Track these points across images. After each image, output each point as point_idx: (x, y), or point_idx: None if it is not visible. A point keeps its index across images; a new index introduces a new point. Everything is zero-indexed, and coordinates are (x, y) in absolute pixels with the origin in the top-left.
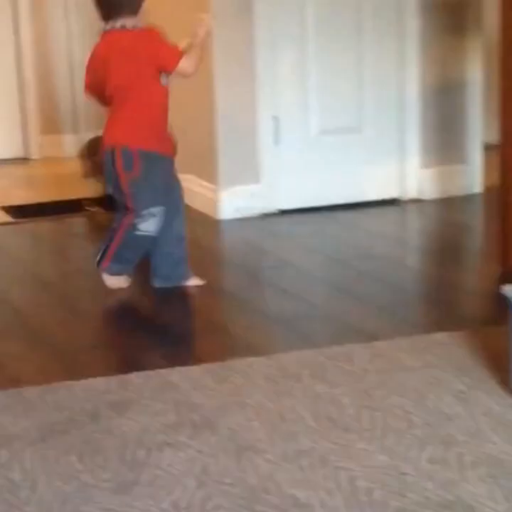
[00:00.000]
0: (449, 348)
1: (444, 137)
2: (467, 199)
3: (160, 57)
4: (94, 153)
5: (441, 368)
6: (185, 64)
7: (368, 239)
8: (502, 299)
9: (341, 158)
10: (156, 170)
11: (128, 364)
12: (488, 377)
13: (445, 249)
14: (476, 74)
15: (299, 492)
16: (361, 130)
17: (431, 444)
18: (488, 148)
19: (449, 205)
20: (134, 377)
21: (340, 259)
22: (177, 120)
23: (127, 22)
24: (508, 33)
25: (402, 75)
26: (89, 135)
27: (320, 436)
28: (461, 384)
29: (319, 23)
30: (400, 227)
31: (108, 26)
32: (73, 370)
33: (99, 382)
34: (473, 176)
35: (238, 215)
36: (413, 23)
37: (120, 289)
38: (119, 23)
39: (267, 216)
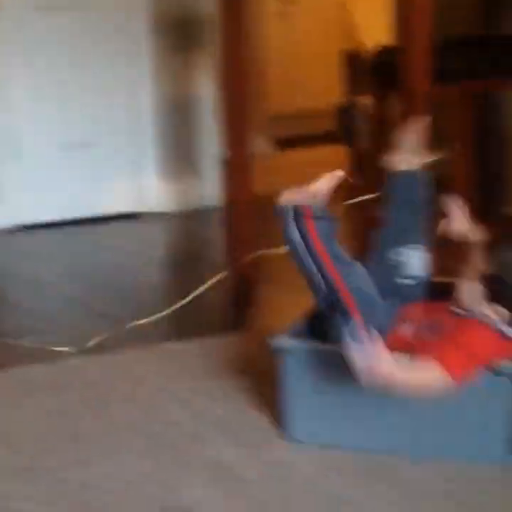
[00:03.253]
0: (180, 356)
1: (180, 152)
2: (204, 211)
3: None
4: None
5: (169, 377)
6: None
7: (108, 253)
8: (235, 307)
9: (81, 173)
10: None
11: None
12: (214, 383)
13: (182, 261)
14: (208, 91)
15: None
16: (99, 146)
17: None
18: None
19: (186, 218)
20: None
21: (80, 273)
22: None
23: None
24: (230, 52)
25: (136, 92)
26: None
27: (59, 453)
28: (188, 391)
29: (55, 42)
30: (140, 240)
31: None
32: None
33: None
34: (209, 188)
35: None
36: (145, 40)
37: None
38: None
39: (10, 232)
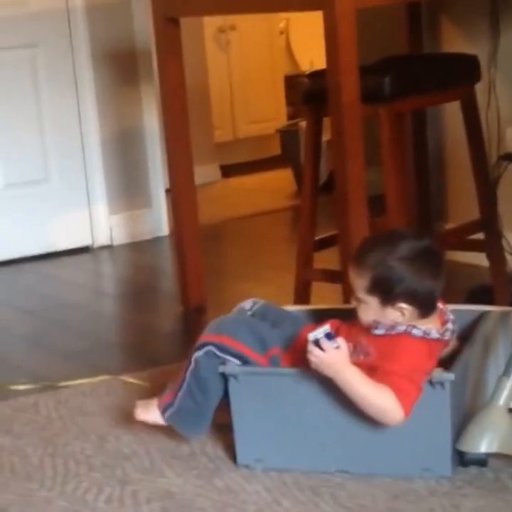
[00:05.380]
0: (133, 388)
1: (128, 183)
2: (155, 242)
3: None
4: None
5: (123, 409)
6: None
7: (61, 288)
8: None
9: (30, 210)
10: None
11: None
12: None
13: (134, 292)
14: (153, 122)
15: None
16: (48, 181)
17: (108, 484)
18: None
19: (138, 249)
20: None
21: (33, 310)
22: None
23: None
24: (169, 83)
25: (82, 125)
26: None
27: (1, 488)
28: (140, 422)
29: None
30: (92, 274)
31: None
32: None
33: None
34: (159, 219)
35: None
36: (88, 74)
37: None
38: None
39: None
